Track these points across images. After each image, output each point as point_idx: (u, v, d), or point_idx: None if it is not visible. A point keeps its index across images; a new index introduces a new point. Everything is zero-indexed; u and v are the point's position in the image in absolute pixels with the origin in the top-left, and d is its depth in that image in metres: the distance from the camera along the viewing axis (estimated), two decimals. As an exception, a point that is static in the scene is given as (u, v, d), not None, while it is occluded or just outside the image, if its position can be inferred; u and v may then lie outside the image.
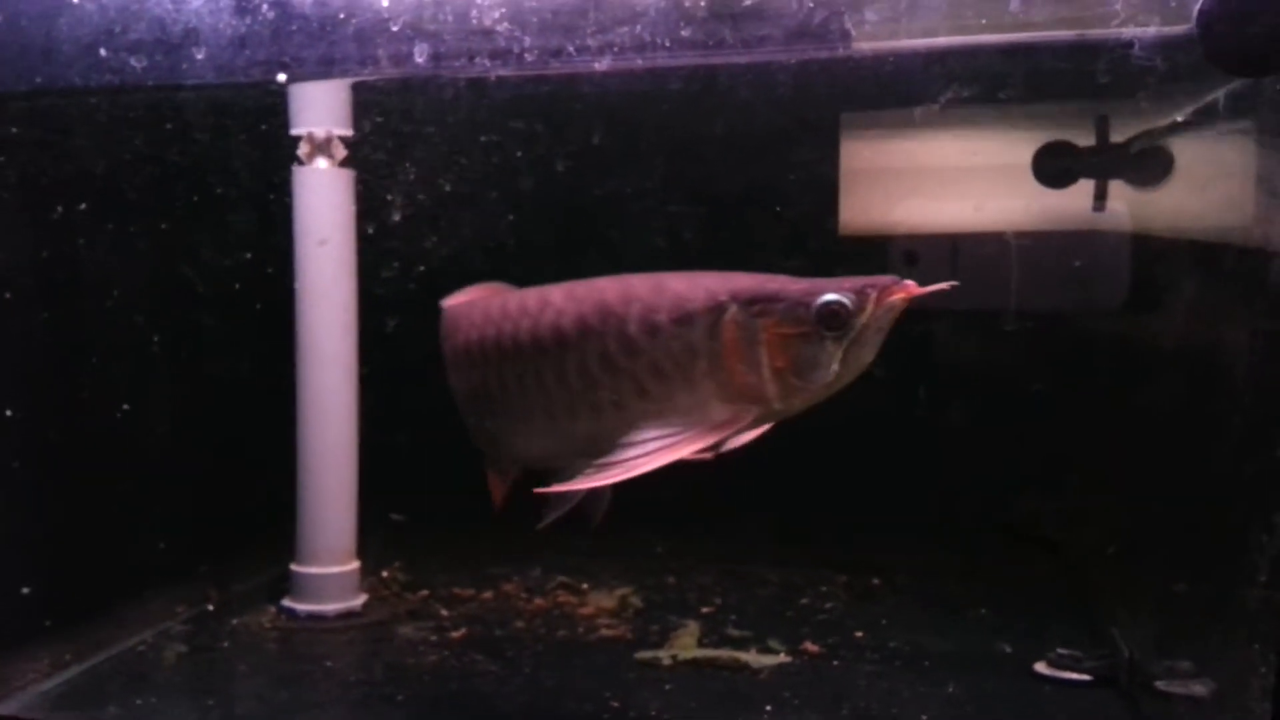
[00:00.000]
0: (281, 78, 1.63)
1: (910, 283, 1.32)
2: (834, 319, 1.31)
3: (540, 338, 1.45)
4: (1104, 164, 2.08)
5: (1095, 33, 1.42)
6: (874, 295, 1.31)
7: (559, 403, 1.44)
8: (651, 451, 1.33)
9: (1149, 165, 2.03)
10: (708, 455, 1.41)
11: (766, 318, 1.34)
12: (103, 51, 1.63)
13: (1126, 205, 2.11)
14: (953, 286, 1.33)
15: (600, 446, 1.37)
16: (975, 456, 2.19)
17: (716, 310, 1.35)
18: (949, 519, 2.25)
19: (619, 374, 1.39)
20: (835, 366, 1.32)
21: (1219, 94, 1.58)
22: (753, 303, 1.35)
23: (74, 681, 1.87)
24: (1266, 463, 1.32)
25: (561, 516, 1.44)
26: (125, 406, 2.10)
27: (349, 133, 2.10)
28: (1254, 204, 1.58)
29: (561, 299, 1.46)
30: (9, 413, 1.88)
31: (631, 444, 1.35)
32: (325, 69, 1.63)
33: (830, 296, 1.31)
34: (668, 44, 1.48)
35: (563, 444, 1.47)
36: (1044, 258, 2.11)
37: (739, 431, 1.40)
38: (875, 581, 2.33)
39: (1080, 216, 2.12)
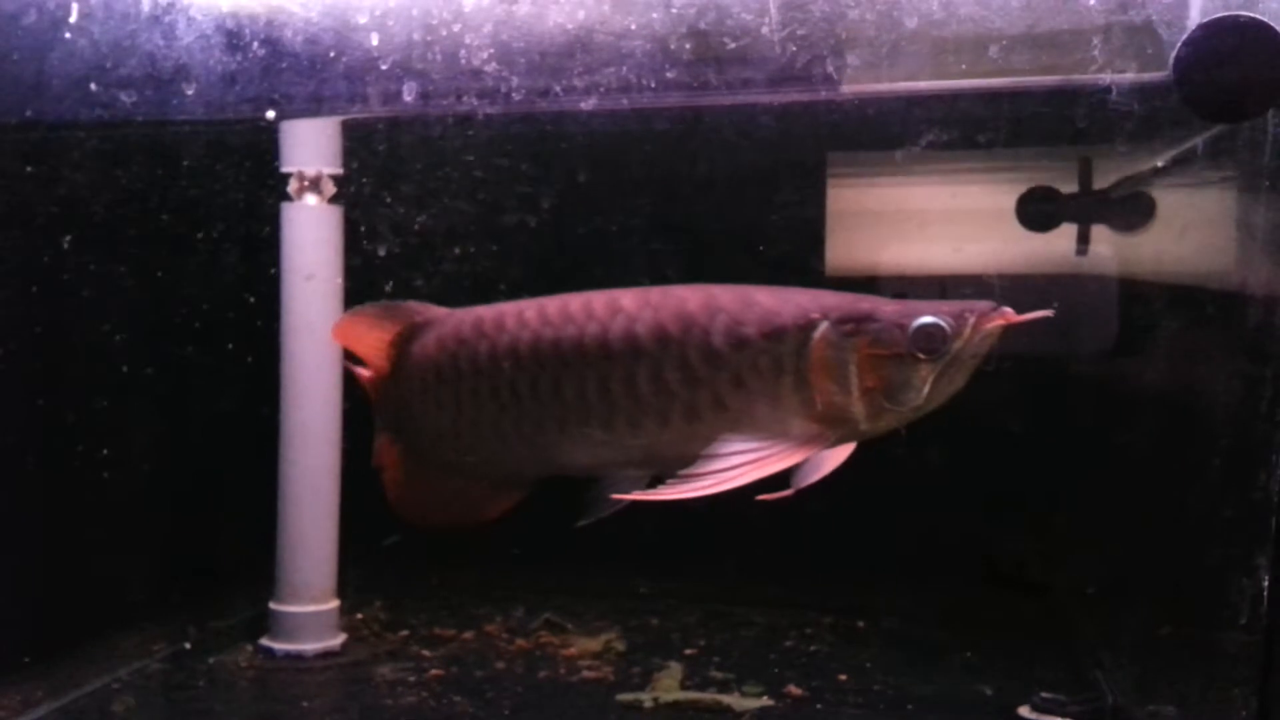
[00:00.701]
0: (271, 115, 1.64)
1: (1009, 309, 1.31)
2: (930, 342, 1.29)
3: (609, 344, 1.40)
4: (1087, 209, 2.10)
5: (1076, 78, 1.44)
6: (973, 320, 1.30)
7: (621, 411, 1.39)
8: (738, 466, 1.30)
9: (1131, 210, 2.05)
10: (787, 494, 1.37)
11: (859, 337, 1.31)
12: (93, 86, 1.64)
13: (1109, 249, 2.13)
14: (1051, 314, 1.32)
15: (658, 457, 1.35)
16: (959, 499, 2.18)
17: (807, 327, 1.33)
18: (934, 561, 2.23)
19: (697, 385, 1.35)
20: (926, 390, 1.30)
21: (1199, 140, 1.60)
22: (845, 321, 1.33)
23: (45, 720, 1.84)
24: (1247, 505, 1.32)
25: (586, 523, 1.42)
26: (105, 442, 2.08)
27: (338, 170, 2.11)
28: (1234, 248, 1.60)
29: (634, 305, 1.41)
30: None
31: (716, 457, 1.31)
32: (314, 106, 1.64)
33: (928, 319, 1.30)
34: (653, 85, 1.49)
35: (615, 454, 1.42)
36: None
37: (823, 448, 1.36)
38: (860, 624, 2.31)
39: (1063, 260, 2.14)
